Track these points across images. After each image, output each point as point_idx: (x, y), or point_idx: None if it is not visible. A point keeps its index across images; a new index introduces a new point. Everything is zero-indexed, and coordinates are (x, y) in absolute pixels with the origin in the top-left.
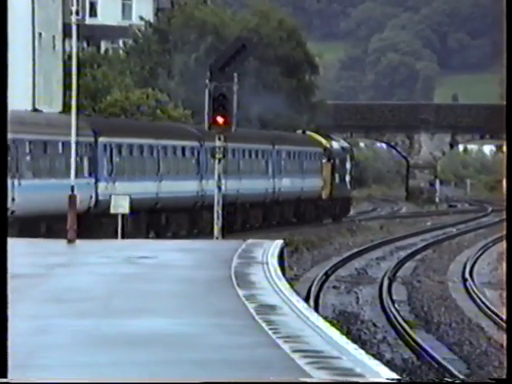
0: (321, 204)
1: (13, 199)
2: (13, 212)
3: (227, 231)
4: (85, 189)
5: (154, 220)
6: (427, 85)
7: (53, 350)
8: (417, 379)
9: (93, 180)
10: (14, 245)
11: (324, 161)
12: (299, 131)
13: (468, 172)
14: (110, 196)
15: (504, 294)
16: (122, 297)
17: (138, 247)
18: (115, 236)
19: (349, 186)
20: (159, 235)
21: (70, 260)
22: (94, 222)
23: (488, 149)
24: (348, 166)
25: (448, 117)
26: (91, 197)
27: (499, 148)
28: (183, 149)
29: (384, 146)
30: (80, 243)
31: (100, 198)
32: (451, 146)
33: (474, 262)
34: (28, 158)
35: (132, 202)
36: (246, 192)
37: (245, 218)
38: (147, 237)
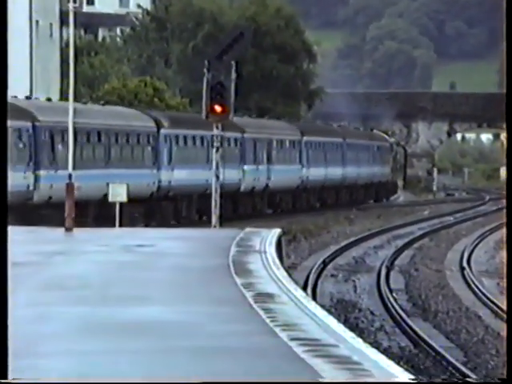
0: (387, 186)
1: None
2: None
3: (345, 203)
4: (297, 172)
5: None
6: (425, 73)
7: (50, 338)
8: (414, 366)
9: (300, 166)
10: (11, 233)
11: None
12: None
13: (466, 161)
14: (307, 178)
15: (502, 283)
16: (119, 285)
17: (135, 235)
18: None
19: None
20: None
21: (67, 248)
22: (301, 197)
23: (485, 137)
24: (398, 157)
25: (445, 105)
26: (299, 177)
27: (496, 136)
28: (332, 144)
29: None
30: (77, 231)
31: (303, 178)
32: (449, 134)
33: (472, 251)
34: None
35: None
36: (363, 176)
37: (356, 196)
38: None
